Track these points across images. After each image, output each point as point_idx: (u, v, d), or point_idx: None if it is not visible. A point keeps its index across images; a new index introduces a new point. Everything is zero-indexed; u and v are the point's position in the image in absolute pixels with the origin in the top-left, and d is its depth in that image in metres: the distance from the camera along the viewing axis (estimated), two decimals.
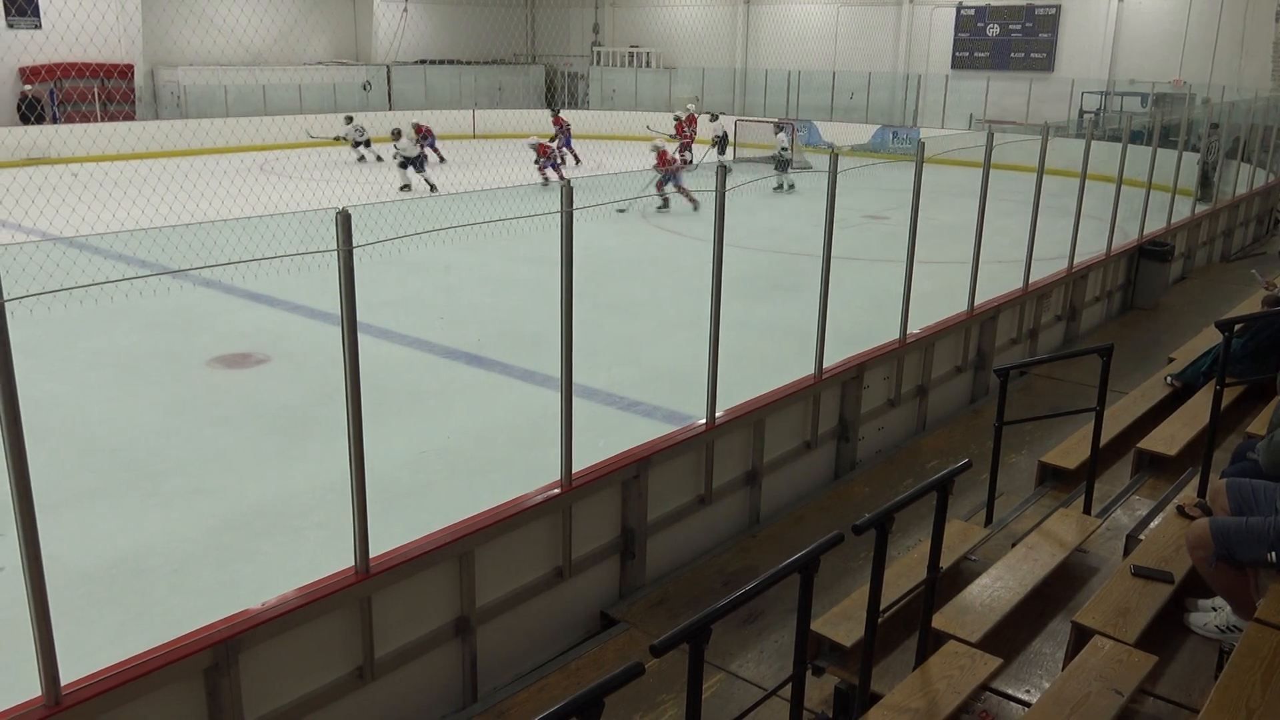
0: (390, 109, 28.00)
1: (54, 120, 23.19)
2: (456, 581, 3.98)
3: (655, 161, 16.79)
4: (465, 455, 6.39)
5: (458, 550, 3.93)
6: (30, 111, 22.99)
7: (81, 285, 3.43)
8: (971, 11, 25.65)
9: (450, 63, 30.25)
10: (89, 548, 4.96)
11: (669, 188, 16.30)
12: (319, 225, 3.82)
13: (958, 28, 25.92)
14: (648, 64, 30.50)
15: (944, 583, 3.69)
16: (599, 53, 31.68)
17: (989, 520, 4.94)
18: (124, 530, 5.30)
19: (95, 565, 4.85)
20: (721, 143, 21.17)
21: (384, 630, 3.73)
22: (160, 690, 3.14)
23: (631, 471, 4.67)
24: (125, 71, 24.81)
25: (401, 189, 18.42)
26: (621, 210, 15.11)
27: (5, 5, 22.86)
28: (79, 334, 8.56)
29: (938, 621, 3.54)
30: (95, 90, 24.16)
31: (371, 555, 3.64)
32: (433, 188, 18.35)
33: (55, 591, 2.92)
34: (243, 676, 3.31)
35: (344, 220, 3.35)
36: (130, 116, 24.32)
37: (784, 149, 18.97)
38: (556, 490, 4.34)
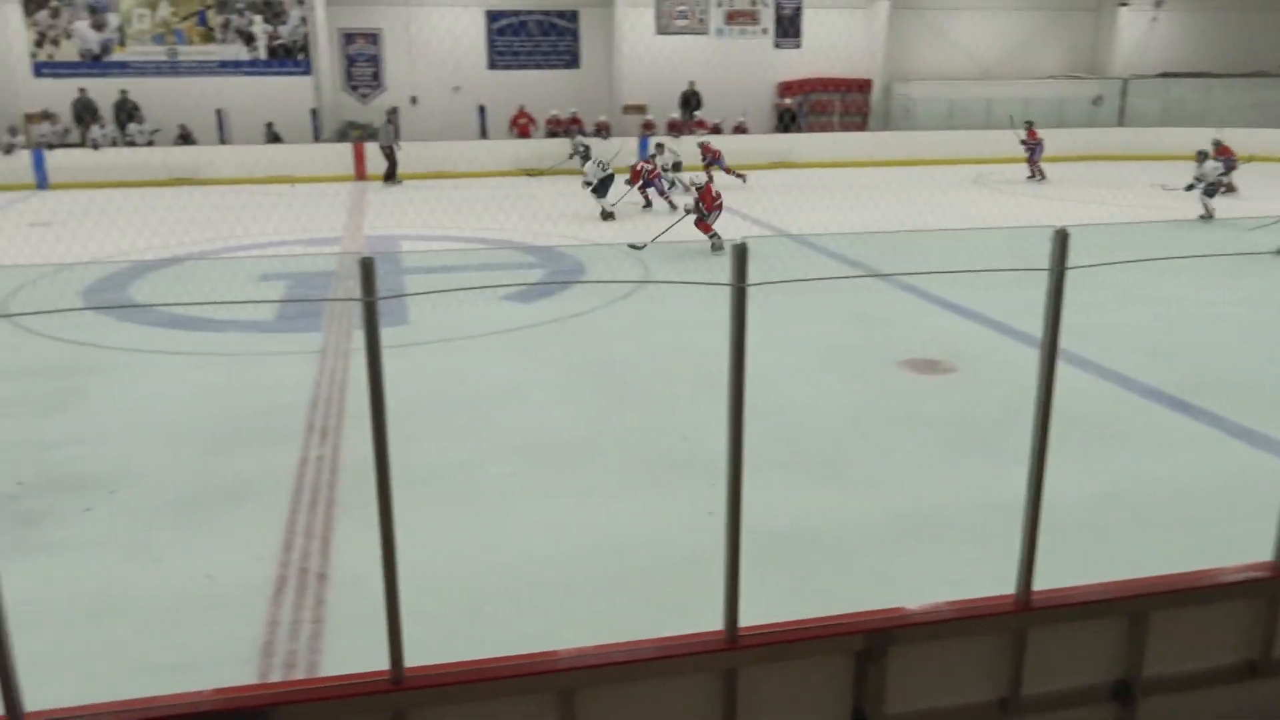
0: (1120, 124, 26.39)
1: (800, 129, 26.07)
2: (1123, 642, 3.63)
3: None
4: (1154, 508, 5.81)
5: (1130, 608, 3.59)
6: (783, 122, 26.16)
7: (807, 279, 3.80)
8: None
9: (1197, 75, 27.42)
10: (774, 513, 5.51)
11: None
12: (1027, 242, 3.73)
13: None
14: None
15: None
16: None
17: None
18: (805, 504, 5.80)
19: (778, 529, 5.38)
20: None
21: (1036, 668, 3.56)
22: (815, 658, 3.38)
23: None
24: (864, 86, 26.85)
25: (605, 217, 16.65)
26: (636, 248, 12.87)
27: (775, 28, 26.16)
28: (794, 320, 9.52)
29: None
30: (836, 103, 26.57)
31: (1034, 588, 3.49)
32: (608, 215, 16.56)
33: (752, 545, 3.29)
34: (890, 669, 3.41)
35: (1060, 240, 3.23)
36: (862, 127, 26.28)
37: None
38: (1264, 573, 3.72)
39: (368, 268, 2.78)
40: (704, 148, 20.79)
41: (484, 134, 25.39)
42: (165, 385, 8.16)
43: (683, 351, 8.87)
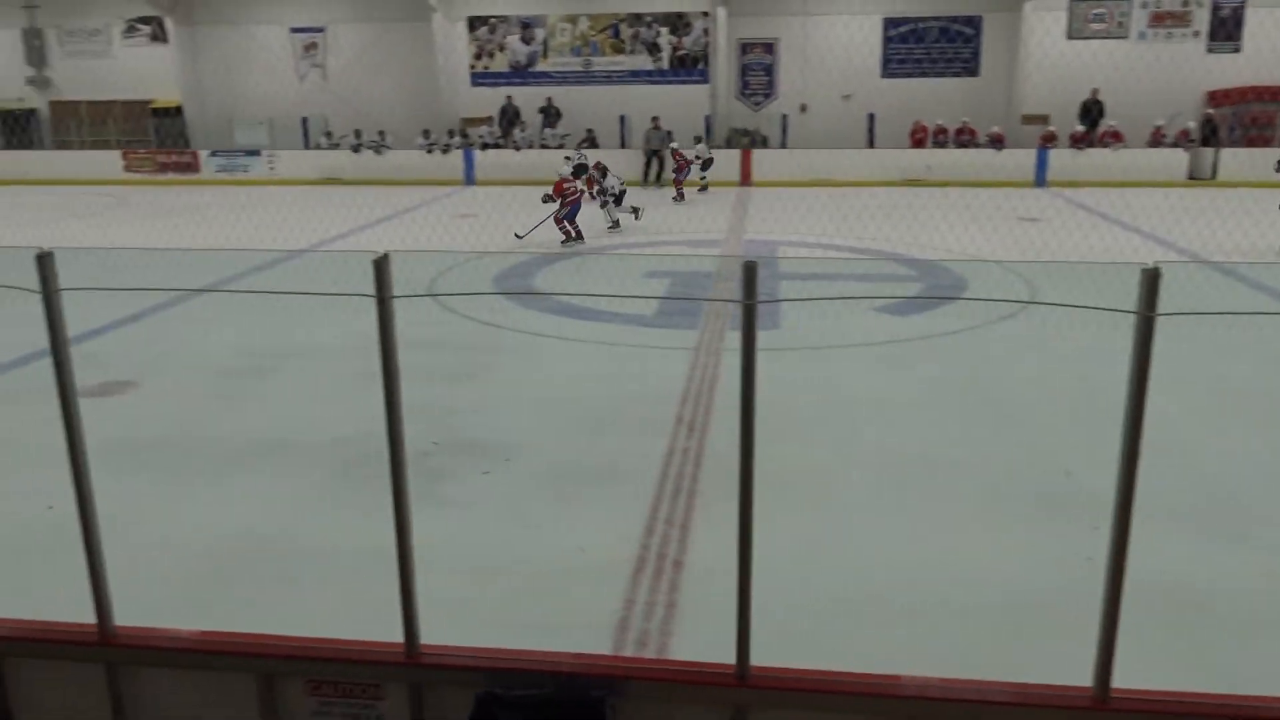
0: None
1: (1229, 144, 23.26)
2: None
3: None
4: None
5: None
6: (1206, 134, 23.42)
7: (1228, 313, 3.36)
8: None
9: None
10: (1163, 568, 4.95)
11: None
12: None
13: None
14: None
15: None
16: None
17: None
18: (1201, 563, 5.16)
19: (1165, 586, 4.83)
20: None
21: None
22: None
23: None
24: None
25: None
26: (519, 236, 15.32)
27: (1210, 30, 23.53)
28: (1208, 357, 8.51)
29: None
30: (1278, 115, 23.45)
31: None
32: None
33: (1132, 599, 2.98)
34: None
35: None
36: None
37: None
38: None
39: (750, 271, 2.83)
40: (675, 154, 22.19)
41: (872, 143, 25.13)
42: (556, 367, 8.89)
43: (1071, 380, 8.23)
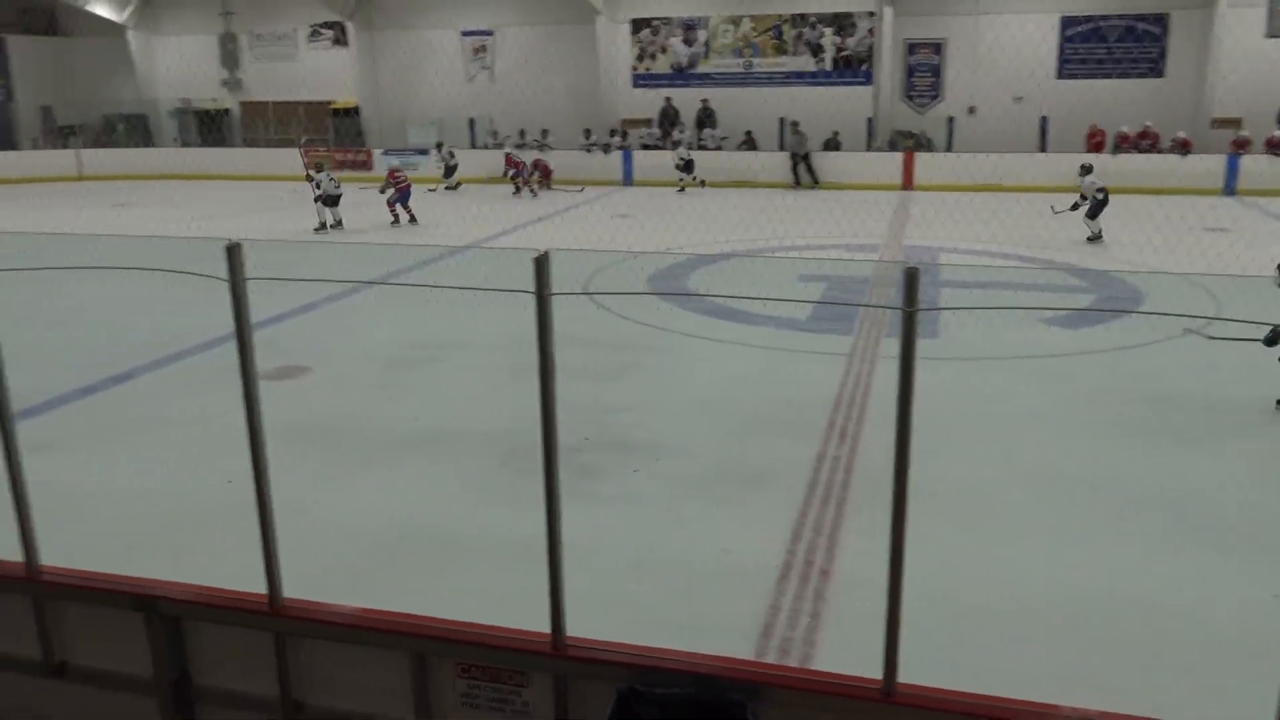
0: None
1: None
2: None
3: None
4: None
5: None
6: None
7: None
8: None
9: None
10: None
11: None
12: None
13: None
14: None
15: None
16: None
17: None
18: None
19: None
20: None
21: None
22: None
23: None
24: None
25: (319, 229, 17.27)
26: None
27: None
28: None
29: None
30: None
31: None
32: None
33: None
34: None
35: None
36: None
37: None
38: None
39: (912, 278, 2.75)
40: (508, 159, 23.44)
41: (1044, 147, 24.08)
42: (708, 369, 8.89)
43: (1260, 402, 7.67)
